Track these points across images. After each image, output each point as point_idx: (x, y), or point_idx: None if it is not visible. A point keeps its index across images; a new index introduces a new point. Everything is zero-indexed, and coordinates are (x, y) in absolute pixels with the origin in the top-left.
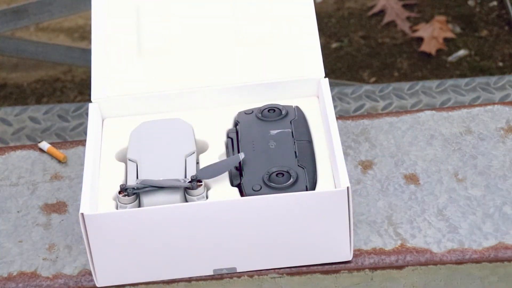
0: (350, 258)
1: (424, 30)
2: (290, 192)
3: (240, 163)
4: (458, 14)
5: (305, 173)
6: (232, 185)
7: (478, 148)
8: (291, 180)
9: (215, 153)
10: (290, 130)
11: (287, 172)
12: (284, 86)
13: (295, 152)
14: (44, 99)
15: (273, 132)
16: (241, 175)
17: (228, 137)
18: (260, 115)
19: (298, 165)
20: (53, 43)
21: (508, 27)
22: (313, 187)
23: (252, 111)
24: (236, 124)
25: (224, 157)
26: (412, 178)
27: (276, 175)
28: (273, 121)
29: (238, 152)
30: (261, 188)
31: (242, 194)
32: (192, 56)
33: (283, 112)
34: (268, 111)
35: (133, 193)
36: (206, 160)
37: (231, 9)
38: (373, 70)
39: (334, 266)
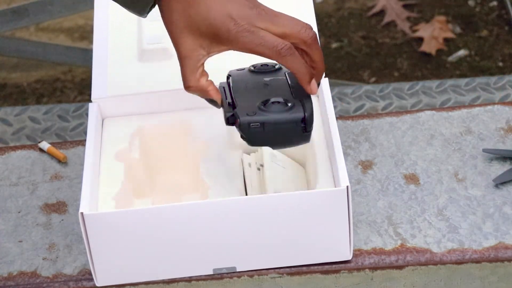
0: (349, 258)
1: (424, 30)
2: (287, 116)
3: (232, 95)
4: (458, 14)
5: (302, 103)
6: (227, 122)
7: (478, 148)
8: (288, 106)
9: (216, 152)
10: (284, 78)
11: (284, 101)
12: None
13: (290, 89)
14: (44, 99)
15: (267, 78)
16: (233, 107)
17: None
18: (252, 68)
19: (294, 98)
20: (53, 43)
21: (508, 27)
22: (310, 118)
23: (244, 68)
24: (228, 77)
25: (225, 157)
26: (412, 178)
27: (272, 103)
28: (266, 72)
29: (232, 98)
30: (255, 113)
31: (236, 123)
32: None
33: (277, 66)
34: (261, 65)
35: None
36: (207, 160)
37: None
38: (373, 70)
39: (334, 266)
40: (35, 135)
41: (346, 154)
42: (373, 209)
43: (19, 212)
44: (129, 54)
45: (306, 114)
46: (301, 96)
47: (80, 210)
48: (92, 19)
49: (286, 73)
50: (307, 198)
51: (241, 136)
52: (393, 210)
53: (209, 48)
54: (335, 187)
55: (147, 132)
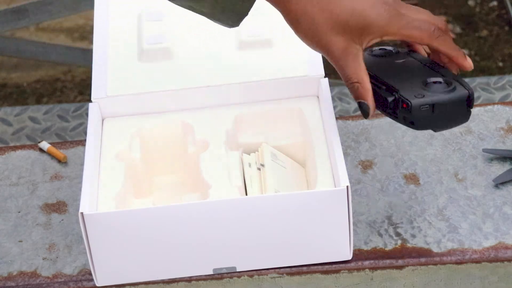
0: (349, 257)
1: None
2: (455, 96)
3: (381, 81)
4: (458, 14)
5: (458, 81)
6: (387, 107)
7: (478, 148)
8: (450, 85)
9: (216, 152)
10: (413, 59)
11: (444, 80)
12: (284, 85)
13: (429, 69)
14: (44, 99)
15: (398, 61)
16: (392, 91)
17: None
18: (371, 52)
19: (447, 77)
20: (53, 43)
21: (508, 27)
22: (473, 95)
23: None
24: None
25: (225, 157)
26: (412, 178)
27: (434, 83)
28: (390, 55)
29: (385, 83)
30: (423, 95)
31: (402, 106)
32: (193, 57)
33: (394, 50)
34: (380, 49)
35: None
36: (207, 160)
37: None
38: None
39: (334, 266)
40: (35, 135)
41: (346, 154)
42: (373, 209)
43: (19, 212)
44: (129, 54)
45: (469, 92)
46: (450, 75)
47: (80, 210)
48: (92, 19)
49: (410, 55)
50: (307, 198)
51: (402, 119)
52: (393, 210)
53: (360, 40)
54: (335, 187)
55: (147, 132)
